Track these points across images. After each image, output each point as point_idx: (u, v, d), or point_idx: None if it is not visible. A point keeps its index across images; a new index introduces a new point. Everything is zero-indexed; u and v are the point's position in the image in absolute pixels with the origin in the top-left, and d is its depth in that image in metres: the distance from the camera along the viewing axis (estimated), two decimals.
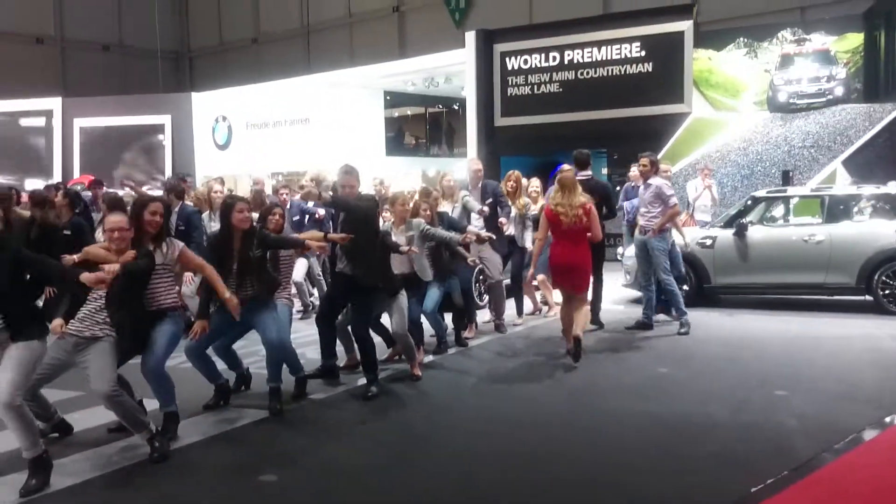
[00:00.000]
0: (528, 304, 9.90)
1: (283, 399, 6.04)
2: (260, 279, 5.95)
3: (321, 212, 10.44)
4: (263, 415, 5.87)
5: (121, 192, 12.73)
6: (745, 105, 14.26)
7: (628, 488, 4.48)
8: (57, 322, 4.74)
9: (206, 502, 4.40)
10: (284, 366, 6.22)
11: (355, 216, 6.45)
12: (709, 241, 9.91)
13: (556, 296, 9.90)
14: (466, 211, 8.68)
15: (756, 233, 9.82)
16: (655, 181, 8.74)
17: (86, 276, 4.54)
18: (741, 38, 14.23)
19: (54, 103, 21.14)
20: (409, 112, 22.16)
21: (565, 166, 8.15)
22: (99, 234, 7.91)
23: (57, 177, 19.66)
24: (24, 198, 11.56)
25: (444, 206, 8.55)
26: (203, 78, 26.25)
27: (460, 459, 4.99)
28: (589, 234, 7.58)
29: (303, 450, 5.24)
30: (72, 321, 4.91)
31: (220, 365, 6.33)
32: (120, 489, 4.57)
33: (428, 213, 7.57)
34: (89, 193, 13.29)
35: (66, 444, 5.18)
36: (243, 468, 4.88)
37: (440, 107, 21.89)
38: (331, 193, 6.56)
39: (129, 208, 6.06)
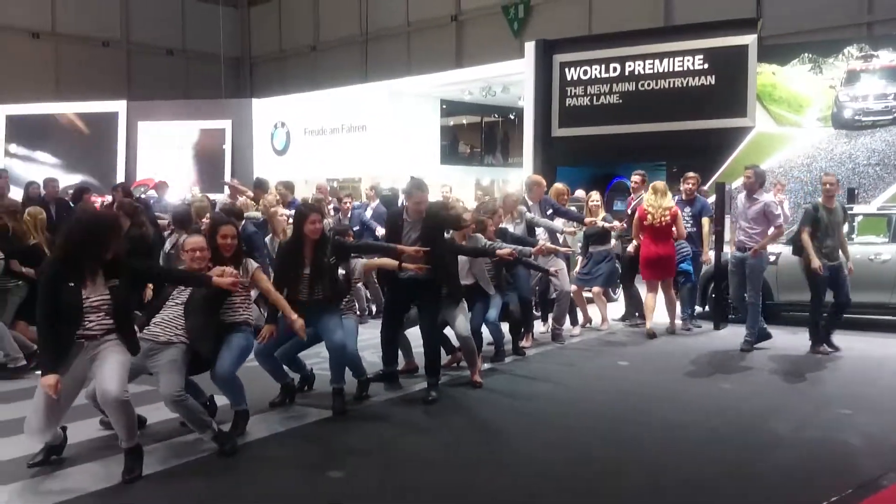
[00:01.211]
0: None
1: (346, 400, 6.15)
2: (331, 286, 6.08)
3: (381, 231, 10.46)
4: (327, 414, 5.98)
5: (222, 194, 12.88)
6: (808, 121, 14.03)
7: (687, 500, 4.49)
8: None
9: (277, 495, 4.51)
10: (347, 368, 6.34)
11: (433, 227, 6.58)
12: (772, 258, 9.76)
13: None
14: (529, 227, 8.69)
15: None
16: (764, 197, 8.53)
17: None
18: (806, 54, 14.00)
19: (119, 106, 21.69)
20: (464, 121, 22.24)
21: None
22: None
23: (120, 178, 20.19)
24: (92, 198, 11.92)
25: (505, 223, 8.59)
26: (263, 84, 26.70)
27: (523, 465, 5.02)
28: (674, 232, 9.28)
29: (367, 448, 5.34)
30: (147, 327, 5.14)
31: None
32: (192, 480, 4.71)
33: (491, 228, 7.65)
34: (154, 194, 13.66)
35: (139, 436, 5.31)
36: (311, 464, 5.00)
37: (496, 116, 21.92)
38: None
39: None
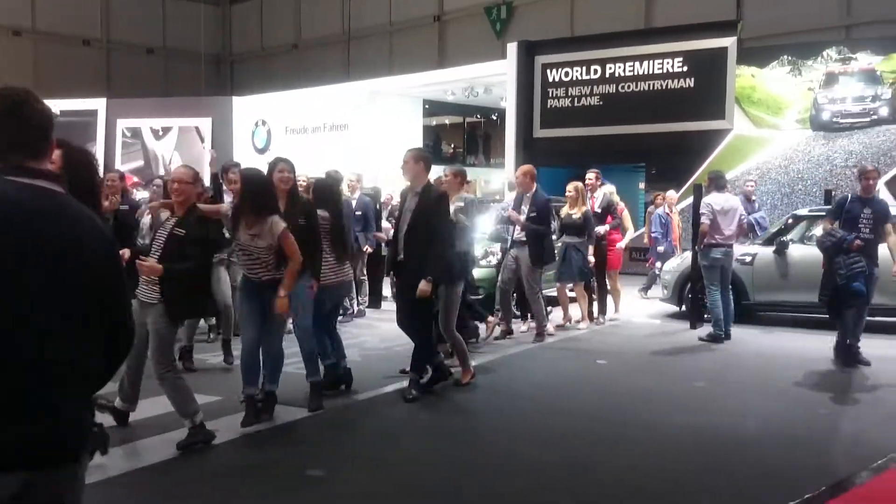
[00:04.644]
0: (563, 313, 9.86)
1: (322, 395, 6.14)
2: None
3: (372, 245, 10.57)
4: (305, 413, 5.92)
5: None
6: (787, 123, 14.16)
7: (666, 498, 4.52)
8: None
9: (252, 496, 4.46)
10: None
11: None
12: (748, 258, 9.85)
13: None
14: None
15: (796, 251, 9.74)
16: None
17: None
18: (785, 56, 14.14)
19: (99, 104, 21.53)
20: (447, 121, 22.28)
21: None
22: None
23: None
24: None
25: None
26: (244, 82, 26.55)
27: (501, 465, 5.02)
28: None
29: (348, 447, 5.34)
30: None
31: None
32: (160, 483, 4.67)
33: None
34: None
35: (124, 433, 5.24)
36: (289, 463, 4.99)
37: (478, 117, 21.98)
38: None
39: None
